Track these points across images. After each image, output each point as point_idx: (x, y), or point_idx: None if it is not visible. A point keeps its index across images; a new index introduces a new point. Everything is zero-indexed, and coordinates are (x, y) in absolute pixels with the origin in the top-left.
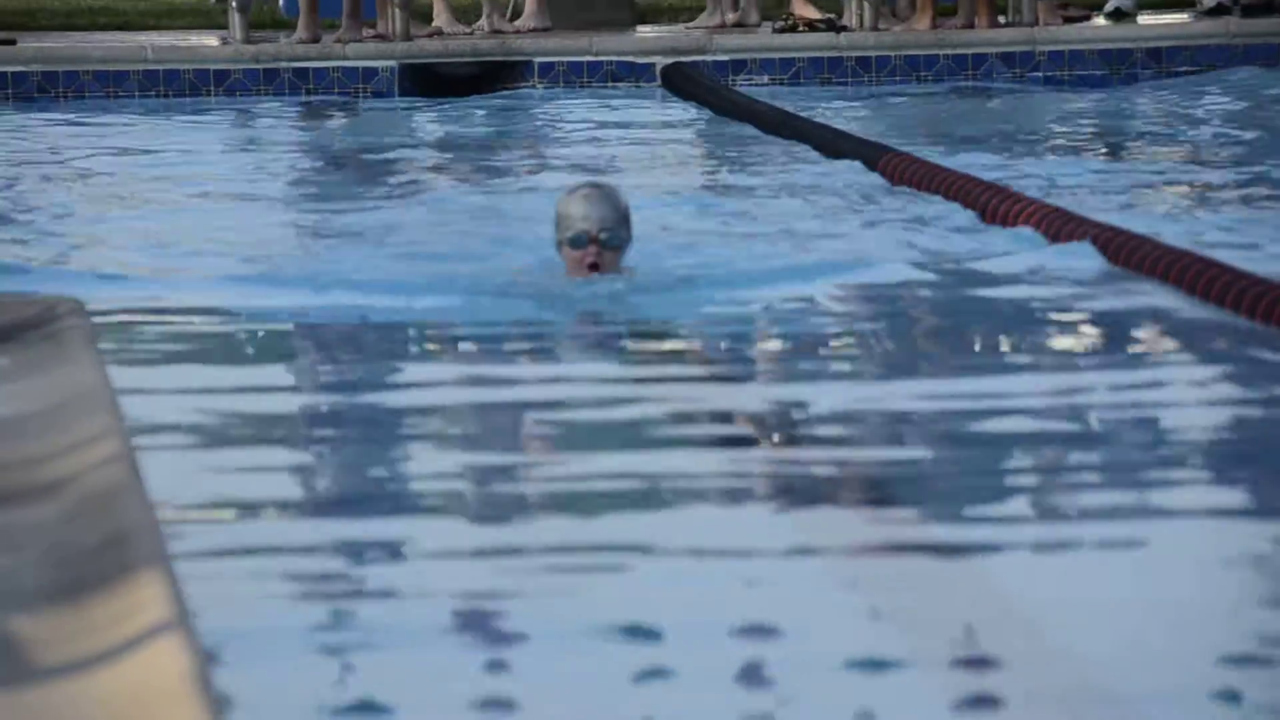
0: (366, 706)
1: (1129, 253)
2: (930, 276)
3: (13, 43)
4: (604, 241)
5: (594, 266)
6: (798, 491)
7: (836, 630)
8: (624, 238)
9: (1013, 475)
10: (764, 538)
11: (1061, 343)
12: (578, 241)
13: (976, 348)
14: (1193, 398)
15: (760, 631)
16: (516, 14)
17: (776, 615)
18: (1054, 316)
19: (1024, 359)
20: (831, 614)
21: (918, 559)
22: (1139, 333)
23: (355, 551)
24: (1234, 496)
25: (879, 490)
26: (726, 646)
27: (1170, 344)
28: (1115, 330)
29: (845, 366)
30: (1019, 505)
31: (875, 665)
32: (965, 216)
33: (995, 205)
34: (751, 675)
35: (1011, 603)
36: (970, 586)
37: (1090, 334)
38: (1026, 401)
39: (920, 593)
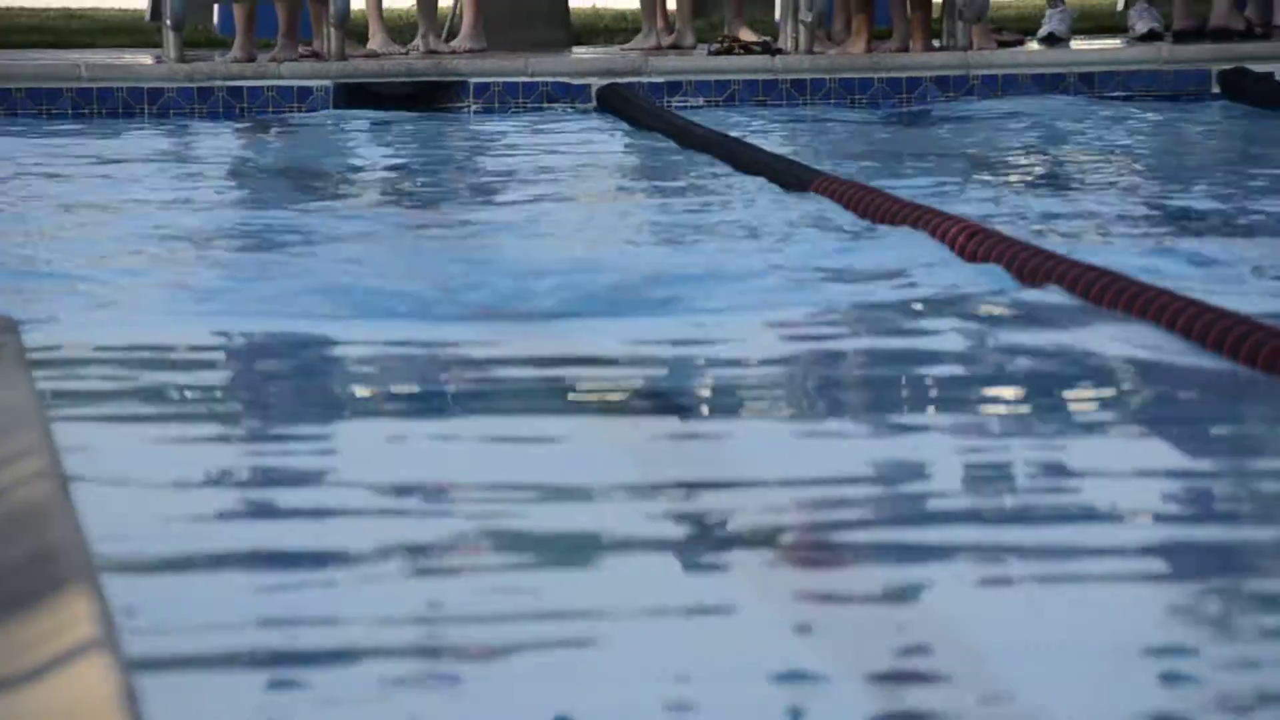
0: None
1: (1042, 272)
2: (853, 307)
3: None
4: None
5: None
6: (732, 530)
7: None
8: None
9: (951, 508)
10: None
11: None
12: None
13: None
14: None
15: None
16: (453, 35)
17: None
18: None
19: (955, 394)
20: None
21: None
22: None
23: (288, 576)
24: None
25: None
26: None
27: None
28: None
29: (770, 404)
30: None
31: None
32: (919, 244)
33: (929, 226)
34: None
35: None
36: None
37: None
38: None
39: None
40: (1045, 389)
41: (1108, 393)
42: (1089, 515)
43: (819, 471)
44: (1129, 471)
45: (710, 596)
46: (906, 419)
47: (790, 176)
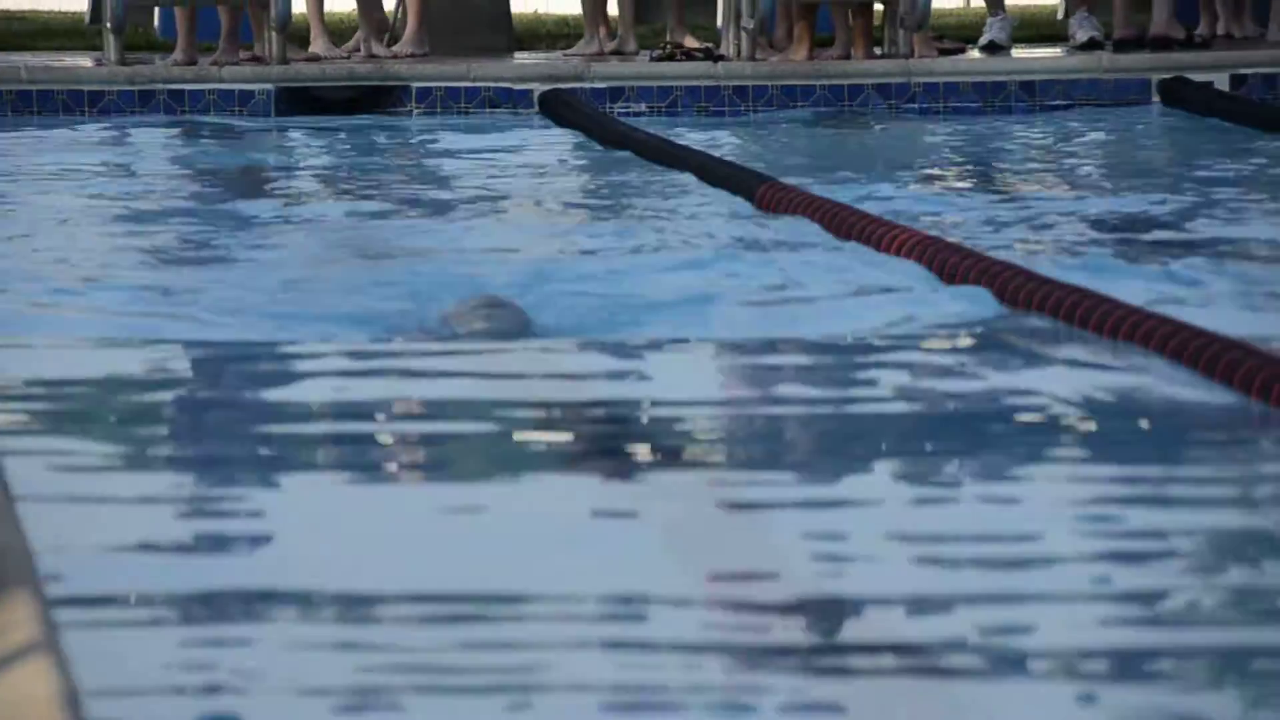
0: None
1: (1016, 290)
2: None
3: None
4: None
5: None
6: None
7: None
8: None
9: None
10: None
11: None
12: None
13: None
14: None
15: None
16: (395, 39)
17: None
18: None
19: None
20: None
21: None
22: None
23: (231, 580)
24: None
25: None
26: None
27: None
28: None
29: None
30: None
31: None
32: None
33: (872, 233)
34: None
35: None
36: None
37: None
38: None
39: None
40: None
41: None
42: None
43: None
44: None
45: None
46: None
47: (735, 182)
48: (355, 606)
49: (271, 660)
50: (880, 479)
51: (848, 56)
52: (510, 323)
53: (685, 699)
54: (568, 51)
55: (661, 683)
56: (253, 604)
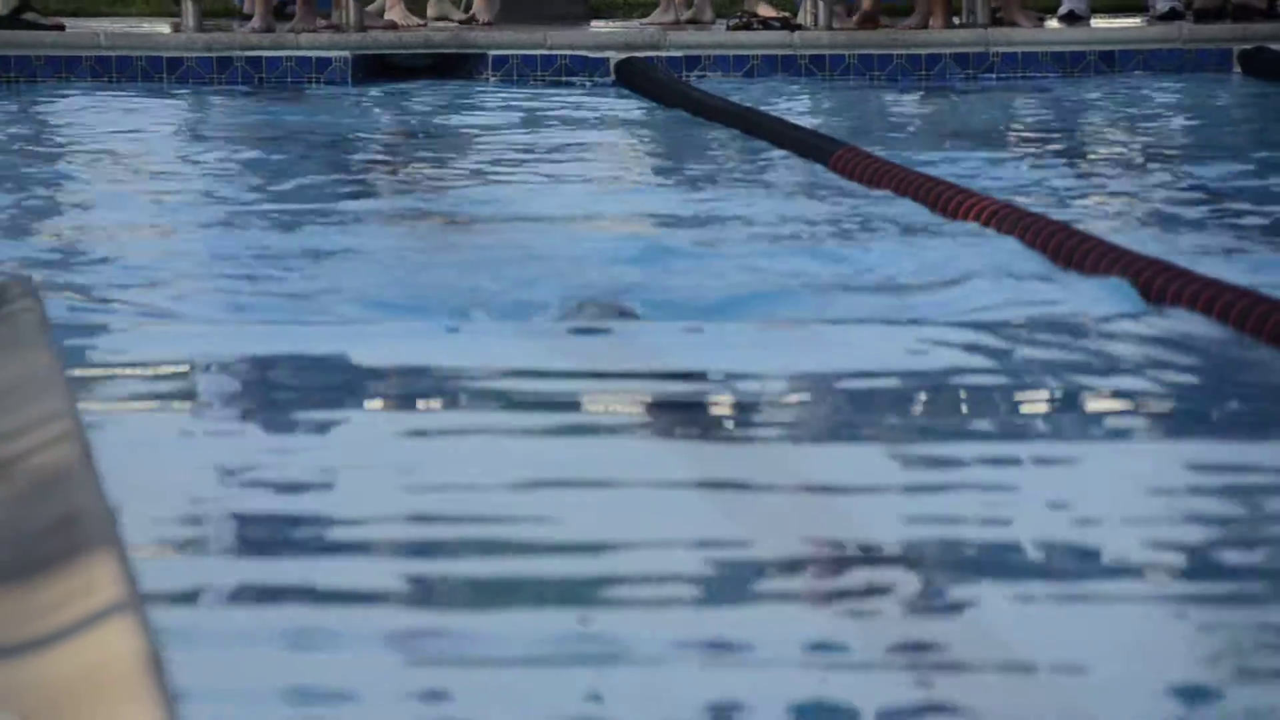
0: (316, 694)
1: (1077, 255)
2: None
3: (61, 28)
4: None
5: None
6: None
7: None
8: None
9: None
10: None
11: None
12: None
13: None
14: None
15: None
16: (469, 7)
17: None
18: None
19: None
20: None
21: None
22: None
23: (308, 544)
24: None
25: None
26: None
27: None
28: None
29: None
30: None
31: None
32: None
33: (948, 200)
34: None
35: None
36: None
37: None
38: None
39: None
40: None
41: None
42: None
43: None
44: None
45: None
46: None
47: (814, 149)
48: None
49: (364, 625)
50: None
51: (926, 26)
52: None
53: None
54: (645, 20)
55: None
56: (335, 565)
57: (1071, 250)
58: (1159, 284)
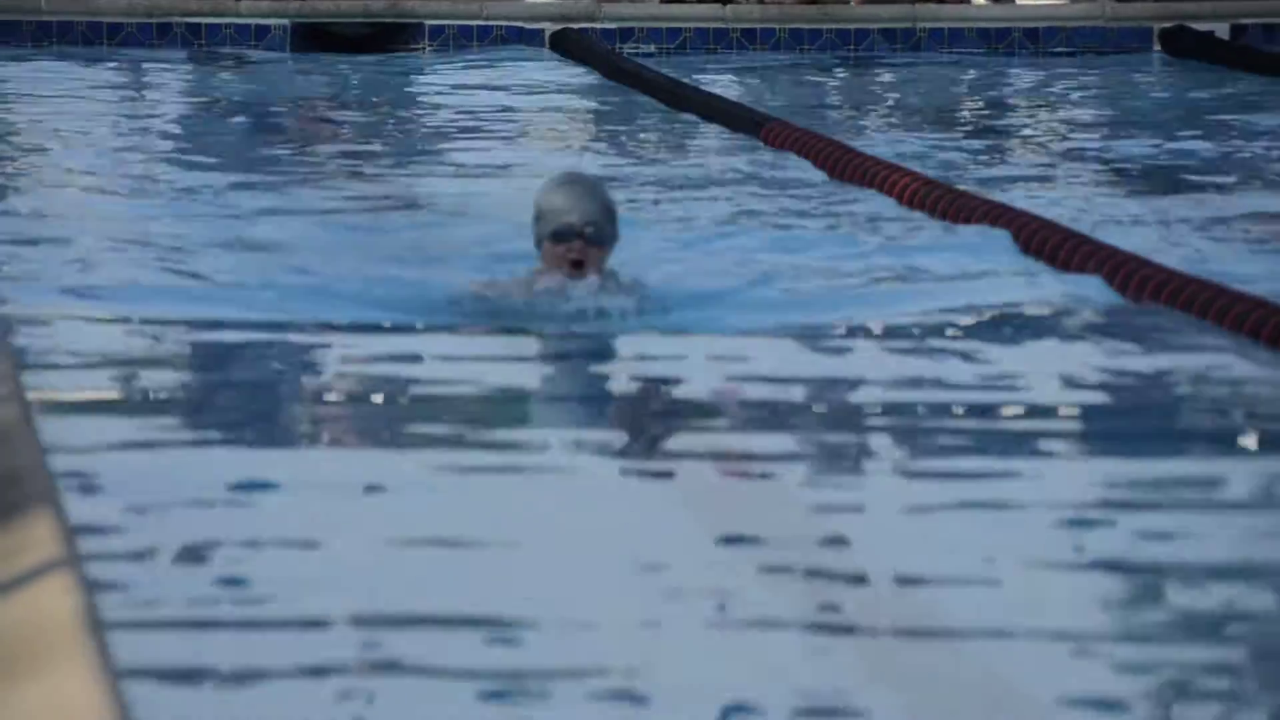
0: (247, 651)
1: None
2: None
3: None
4: (589, 237)
5: (577, 264)
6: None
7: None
8: (610, 234)
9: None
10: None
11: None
12: (561, 235)
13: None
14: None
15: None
16: None
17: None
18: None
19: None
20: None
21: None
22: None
23: (241, 501)
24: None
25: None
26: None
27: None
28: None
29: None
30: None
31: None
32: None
33: (872, 174)
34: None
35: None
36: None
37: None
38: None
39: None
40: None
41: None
42: None
43: None
44: None
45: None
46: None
47: (742, 121)
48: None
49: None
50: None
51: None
52: (594, 196)
53: None
54: None
55: None
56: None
57: (965, 212)
58: (1039, 238)
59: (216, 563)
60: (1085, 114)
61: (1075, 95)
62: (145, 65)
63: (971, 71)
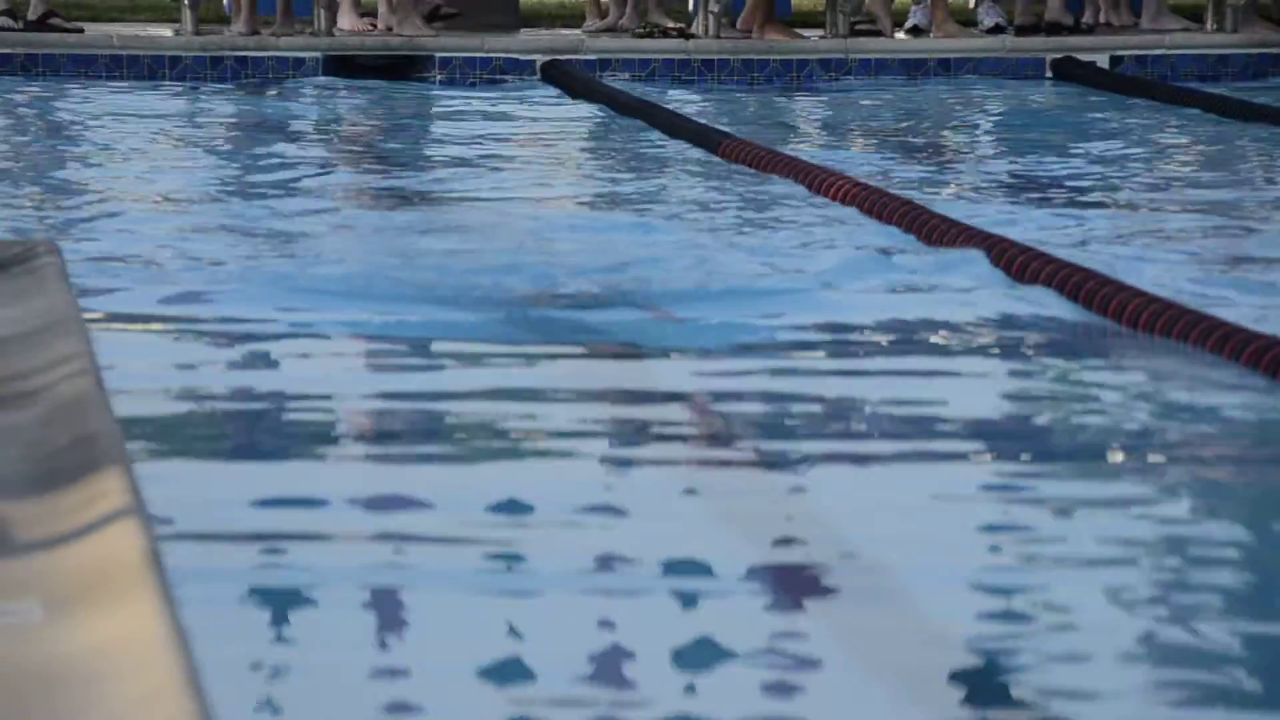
0: (295, 596)
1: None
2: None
3: (81, 30)
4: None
5: None
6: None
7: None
8: None
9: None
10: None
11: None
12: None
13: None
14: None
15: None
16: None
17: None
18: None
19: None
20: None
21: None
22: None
23: (307, 470)
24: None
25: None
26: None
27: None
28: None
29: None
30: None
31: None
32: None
33: (819, 182)
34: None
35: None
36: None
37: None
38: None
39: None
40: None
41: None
42: None
43: None
44: None
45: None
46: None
47: (704, 139)
48: None
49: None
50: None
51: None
52: None
53: None
54: (586, 28)
55: None
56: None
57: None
58: (940, 230)
59: (277, 516)
60: (987, 130)
61: (978, 115)
62: (201, 92)
63: (893, 95)
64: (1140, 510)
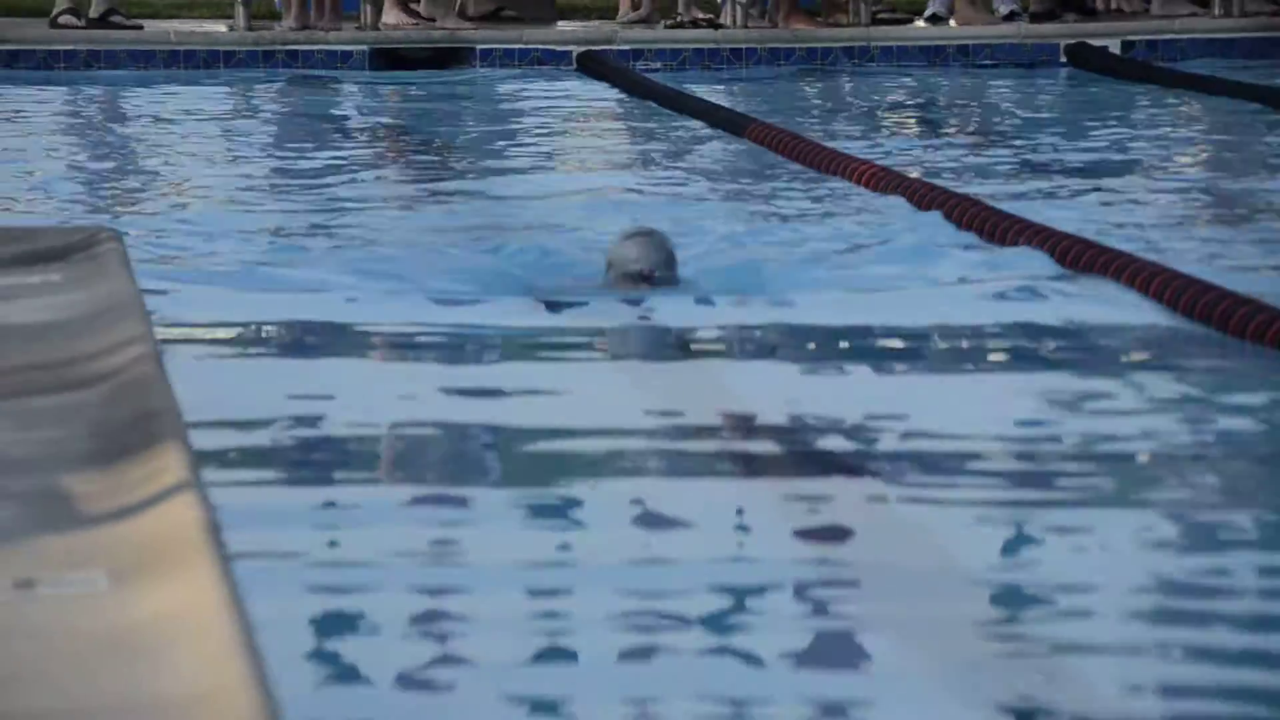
0: (350, 564)
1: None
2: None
3: (140, 27)
4: (656, 280)
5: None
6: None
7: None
8: (673, 279)
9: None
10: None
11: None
12: (630, 280)
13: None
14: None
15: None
16: (462, 13)
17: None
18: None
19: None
20: None
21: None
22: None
23: (352, 449)
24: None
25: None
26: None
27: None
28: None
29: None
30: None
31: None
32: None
33: (839, 164)
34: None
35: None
36: None
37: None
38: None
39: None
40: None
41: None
42: None
43: None
44: None
45: None
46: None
47: (730, 123)
48: None
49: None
50: None
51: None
52: (661, 248)
53: None
54: (622, 20)
55: None
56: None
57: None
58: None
59: (327, 490)
60: (1004, 113)
61: (996, 98)
62: (255, 86)
63: (913, 80)
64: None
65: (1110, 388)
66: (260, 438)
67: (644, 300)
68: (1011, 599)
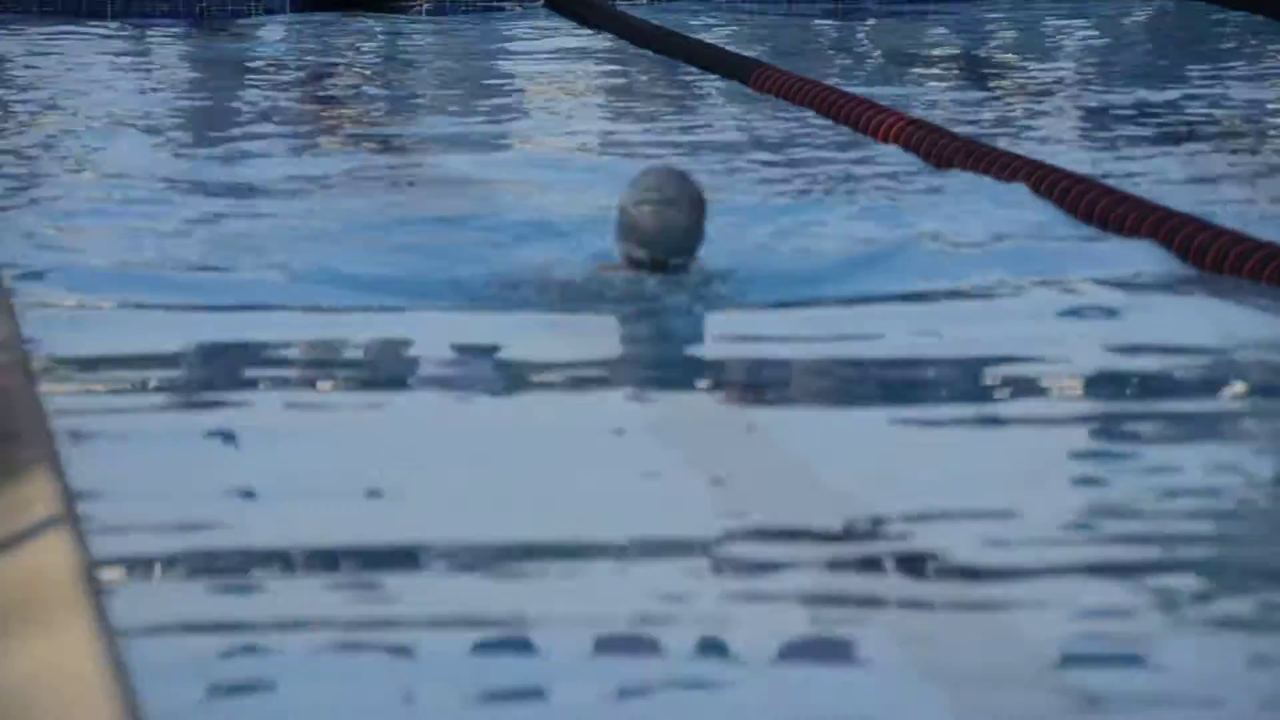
0: (227, 626)
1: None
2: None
3: None
4: (668, 268)
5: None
6: None
7: None
8: (690, 262)
9: None
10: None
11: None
12: (639, 265)
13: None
14: None
15: None
16: None
17: None
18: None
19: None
20: None
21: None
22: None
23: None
24: None
25: None
26: None
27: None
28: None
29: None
30: None
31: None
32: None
33: (863, 118)
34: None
35: None
36: None
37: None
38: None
39: None
40: None
41: None
42: None
43: None
44: None
45: None
46: None
47: (732, 68)
48: None
49: None
50: None
51: None
52: (685, 221)
53: None
54: None
55: None
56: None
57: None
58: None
59: (214, 523)
60: (1066, 57)
61: (1054, 39)
62: (150, 29)
63: (953, 18)
64: None
65: None
66: (145, 460)
67: (649, 293)
68: None
